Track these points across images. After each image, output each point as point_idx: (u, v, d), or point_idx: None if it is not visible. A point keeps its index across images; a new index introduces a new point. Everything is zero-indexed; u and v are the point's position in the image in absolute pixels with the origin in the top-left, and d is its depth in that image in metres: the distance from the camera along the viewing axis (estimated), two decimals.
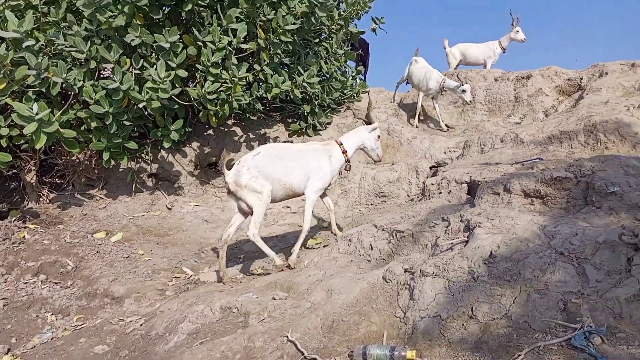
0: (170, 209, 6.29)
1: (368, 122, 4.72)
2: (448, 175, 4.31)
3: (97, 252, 5.21)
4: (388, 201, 6.04)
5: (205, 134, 7.14)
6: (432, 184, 4.42)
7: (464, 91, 7.11)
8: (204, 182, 6.78)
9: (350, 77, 8.06)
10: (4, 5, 4.90)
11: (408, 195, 5.97)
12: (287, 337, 2.90)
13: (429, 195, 4.40)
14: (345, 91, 7.88)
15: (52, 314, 4.31)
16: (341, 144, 4.54)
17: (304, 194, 4.38)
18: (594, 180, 3.08)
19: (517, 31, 8.36)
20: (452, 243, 3.24)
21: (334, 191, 6.42)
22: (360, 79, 9.02)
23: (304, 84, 6.07)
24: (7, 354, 3.79)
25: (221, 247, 4.38)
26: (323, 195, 4.71)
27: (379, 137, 4.67)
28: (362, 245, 3.91)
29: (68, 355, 3.57)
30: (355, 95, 8.17)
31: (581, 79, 6.71)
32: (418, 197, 5.67)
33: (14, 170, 6.04)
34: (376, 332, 2.84)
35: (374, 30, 8.23)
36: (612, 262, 2.46)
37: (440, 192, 4.25)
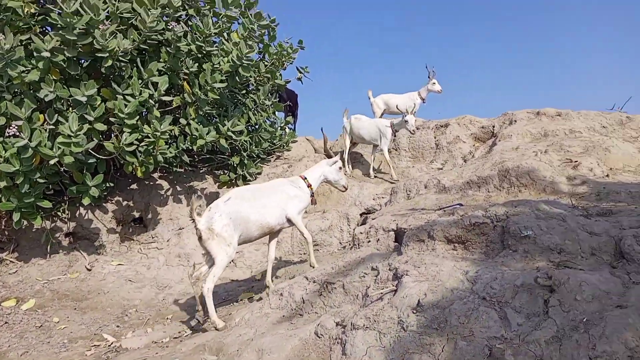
0: (89, 270, 5.88)
1: (328, 155, 4.90)
2: (376, 223, 4.39)
3: (6, 322, 4.73)
4: (321, 249, 6.03)
5: (128, 188, 6.86)
6: (361, 233, 4.47)
7: (406, 121, 7.54)
8: (127, 239, 6.44)
9: (279, 128, 8.16)
10: None
11: (340, 243, 6.00)
12: None
13: (358, 244, 4.44)
14: (274, 141, 7.94)
15: None
16: (305, 178, 4.76)
17: (279, 229, 4.61)
18: (509, 224, 3.25)
19: (434, 83, 8.97)
20: (381, 293, 3.25)
21: (265, 240, 6.32)
22: (290, 129, 9.15)
23: (229, 133, 6.05)
24: None
25: (196, 291, 4.23)
26: (272, 238, 4.79)
27: (340, 168, 4.91)
28: (294, 299, 3.83)
29: None
30: (284, 145, 8.25)
31: (493, 126, 7.23)
32: (350, 244, 5.71)
33: None
34: None
35: (299, 79, 8.46)
36: (531, 305, 2.57)
37: (369, 241, 4.30)
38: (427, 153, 7.39)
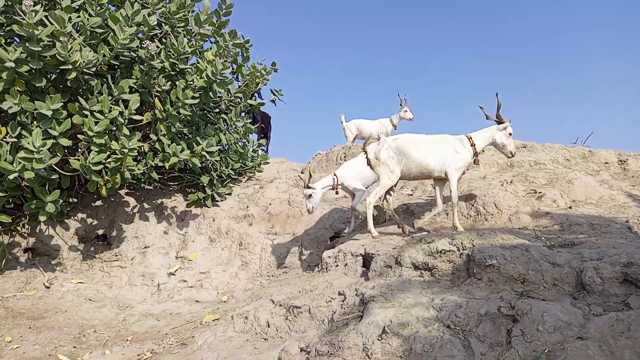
0: (48, 288, 5.64)
1: (499, 121, 4.91)
2: (344, 247, 4.39)
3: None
4: (289, 272, 5.97)
5: (93, 204, 6.67)
6: (329, 257, 4.45)
7: (405, 111, 9.05)
8: (89, 256, 6.23)
9: (251, 149, 8.13)
10: None
11: (309, 266, 5.95)
12: None
13: (326, 268, 4.42)
14: (246, 162, 7.90)
15: None
16: (470, 137, 4.88)
17: (438, 176, 4.75)
18: (474, 253, 3.30)
19: (405, 111, 9.21)
20: (347, 319, 3.23)
21: (233, 263, 6.23)
22: (263, 151, 9.14)
23: (203, 153, 5.99)
24: None
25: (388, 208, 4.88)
26: (439, 186, 5.01)
27: (510, 134, 4.96)
28: (259, 322, 3.77)
29: None
30: (256, 166, 8.22)
31: None
32: (318, 268, 5.68)
33: None
34: None
35: (273, 101, 8.49)
36: (494, 334, 2.59)
37: (337, 265, 4.29)
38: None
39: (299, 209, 6.95)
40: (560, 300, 2.79)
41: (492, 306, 2.73)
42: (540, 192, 5.27)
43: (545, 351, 2.34)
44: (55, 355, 4.45)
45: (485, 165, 6.51)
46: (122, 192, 6.82)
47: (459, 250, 3.45)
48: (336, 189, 5.68)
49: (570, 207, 5.11)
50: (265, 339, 3.61)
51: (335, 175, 5.74)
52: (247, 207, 7.04)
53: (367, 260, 4.07)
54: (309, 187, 5.51)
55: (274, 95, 8.40)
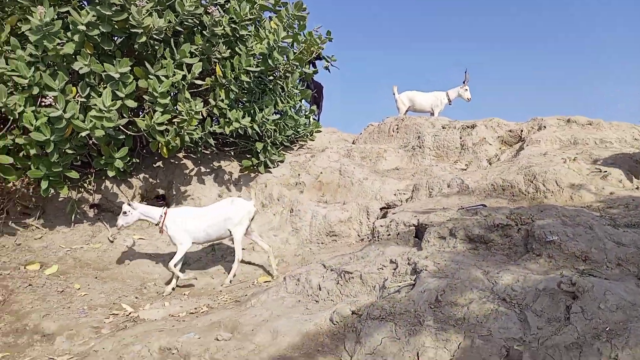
0: (112, 242, 6.00)
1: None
2: (397, 217, 4.39)
3: (29, 285, 4.87)
4: (339, 240, 6.05)
5: (154, 165, 6.96)
6: (382, 226, 4.48)
7: (466, 90, 8.93)
8: None
9: (304, 116, 8.17)
10: None
11: (359, 235, 6.01)
12: None
13: (378, 237, 4.45)
14: (299, 130, 7.96)
15: None
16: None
17: None
18: (534, 228, 3.23)
19: (466, 90, 8.95)
20: (399, 286, 3.27)
21: (284, 228, 6.37)
22: (314, 119, 9.16)
23: (263, 120, 6.10)
24: None
25: None
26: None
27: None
28: (311, 285, 3.87)
29: None
30: (308, 134, 8.27)
31: (521, 130, 7.13)
32: (368, 237, 5.72)
33: None
34: None
35: (326, 68, 8.45)
36: (552, 310, 2.55)
37: (389, 234, 4.31)
38: (451, 153, 7.34)
39: (350, 179, 6.98)
40: (624, 280, 2.70)
41: (551, 282, 2.68)
42: (606, 171, 5.04)
43: (606, 329, 2.29)
44: (119, 304, 4.77)
45: (547, 141, 6.27)
46: (181, 155, 7.07)
47: (517, 225, 3.38)
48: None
49: (637, 188, 4.86)
50: (316, 301, 3.71)
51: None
52: (299, 174, 7.14)
53: (419, 230, 4.07)
54: (129, 205, 5.19)
55: (327, 61, 8.35)
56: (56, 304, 4.66)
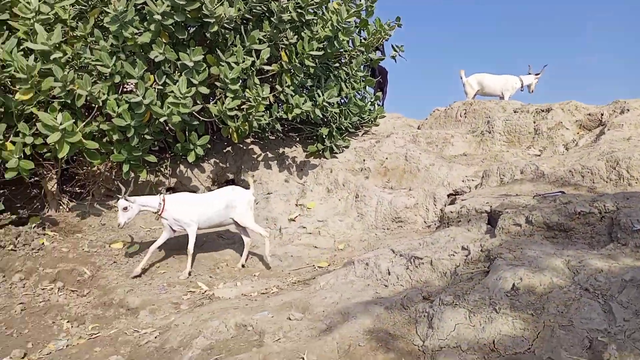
0: None
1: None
2: (468, 204, 4.31)
3: (114, 262, 5.25)
4: (404, 226, 6.02)
5: (224, 150, 7.22)
6: (452, 212, 4.40)
7: (537, 81, 8.85)
8: None
9: (369, 102, 8.13)
10: (34, 19, 5.05)
11: (425, 222, 5.95)
12: (302, 359, 2.88)
13: (447, 223, 4.39)
14: (363, 115, 7.94)
15: (67, 322, 4.32)
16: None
17: None
18: (619, 216, 3.06)
19: (537, 81, 8.75)
20: (472, 273, 3.22)
21: (349, 214, 6.42)
22: (379, 105, 9.10)
23: (324, 104, 6.14)
24: (23, 358, 3.80)
25: None
26: None
27: None
28: (379, 269, 3.90)
29: None
30: (373, 120, 8.22)
31: (602, 114, 6.71)
32: (435, 224, 5.65)
33: (35, 178, 6.13)
34: (394, 359, 2.81)
35: (393, 57, 8.33)
36: None
37: (460, 221, 4.23)
38: (523, 138, 7.04)
39: (416, 165, 6.89)
40: None
41: (639, 273, 2.54)
42: None
43: None
44: (195, 282, 5.04)
45: (630, 125, 5.86)
46: (249, 140, 7.27)
47: (600, 213, 3.22)
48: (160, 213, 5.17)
49: None
50: (385, 285, 3.74)
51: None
52: (364, 160, 7.14)
53: (492, 217, 3.97)
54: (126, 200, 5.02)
55: (395, 50, 8.23)
56: (139, 281, 4.99)
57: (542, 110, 7.09)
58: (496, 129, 7.27)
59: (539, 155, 6.41)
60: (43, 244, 5.34)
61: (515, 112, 7.46)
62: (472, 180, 6.13)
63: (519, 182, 5.01)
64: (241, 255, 5.52)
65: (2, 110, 5.18)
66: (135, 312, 4.42)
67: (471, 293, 2.93)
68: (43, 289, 4.78)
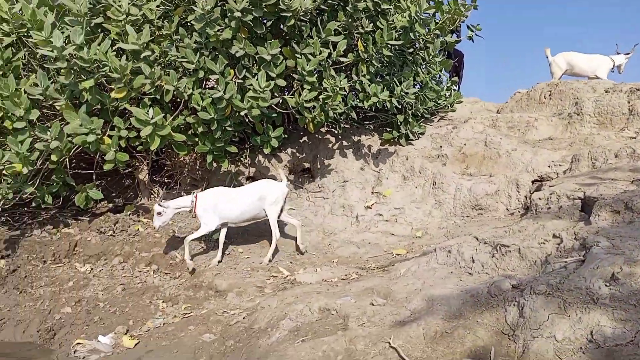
0: None
1: None
2: (558, 190, 4.10)
3: (202, 247, 5.56)
4: (485, 214, 5.84)
5: (299, 140, 7.36)
6: (540, 199, 4.21)
7: (627, 61, 8.39)
8: (297, 187, 6.99)
9: (445, 87, 7.92)
10: (125, 20, 5.40)
11: (507, 209, 5.73)
12: (389, 343, 2.92)
13: (535, 210, 4.20)
14: (439, 101, 7.74)
15: (163, 301, 4.67)
16: None
17: None
18: None
19: (627, 61, 8.15)
20: (566, 262, 3.08)
21: (426, 201, 6.33)
22: (454, 89, 8.84)
23: (402, 94, 6.08)
24: (126, 334, 4.16)
25: None
26: None
27: None
28: (463, 257, 3.83)
29: (179, 341, 3.84)
30: (449, 105, 8.00)
31: None
32: (519, 211, 5.44)
33: (129, 169, 6.61)
34: (483, 348, 2.77)
35: (470, 38, 8.03)
36: None
37: (549, 207, 4.04)
38: (616, 120, 6.54)
39: (497, 150, 6.63)
40: None
41: None
42: None
43: None
44: (276, 267, 5.22)
45: None
46: (324, 129, 7.35)
47: None
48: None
49: None
50: (470, 273, 3.66)
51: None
52: (441, 147, 6.98)
53: (586, 204, 3.75)
54: (160, 205, 5.14)
55: (471, 31, 7.93)
56: (225, 265, 5.26)
57: (638, 89, 6.55)
58: (585, 111, 6.81)
59: (635, 138, 5.94)
60: (138, 230, 5.77)
61: (606, 92, 6.95)
62: (560, 165, 5.81)
63: (613, 167, 4.68)
64: (301, 242, 5.59)
65: (99, 107, 5.61)
66: (223, 294, 4.67)
67: (566, 282, 2.81)
68: (140, 271, 5.18)
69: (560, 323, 2.60)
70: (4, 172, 5.01)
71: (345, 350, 3.00)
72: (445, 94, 7.92)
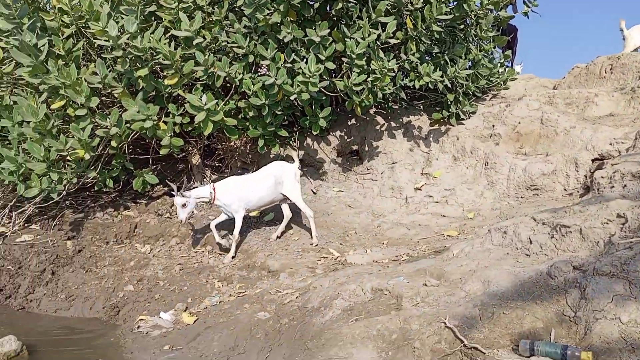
0: (315, 193, 6.60)
1: None
2: (622, 168, 3.89)
3: (254, 229, 5.69)
4: (541, 195, 5.65)
5: (348, 123, 7.33)
6: (602, 177, 4.02)
7: None
8: (346, 169, 6.99)
9: (499, 64, 7.63)
10: (177, 8, 5.51)
11: (565, 189, 5.52)
12: (444, 323, 2.90)
13: (597, 189, 4.02)
14: (491, 78, 7.48)
15: (218, 281, 4.83)
16: None
17: None
18: None
19: None
20: (631, 242, 2.94)
21: (478, 182, 6.18)
22: (508, 66, 8.51)
23: (455, 74, 5.92)
24: (185, 311, 4.35)
25: None
26: None
27: None
28: (520, 238, 3.72)
29: (235, 318, 3.98)
30: (502, 82, 7.72)
31: None
32: (578, 191, 5.22)
33: (183, 154, 6.82)
34: (542, 329, 2.71)
35: (525, 14, 7.67)
36: None
37: (613, 187, 3.85)
38: None
39: (553, 128, 6.36)
40: None
41: None
42: None
43: None
44: (326, 249, 5.28)
45: None
46: (372, 111, 7.28)
47: None
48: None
49: None
50: (527, 255, 3.57)
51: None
52: (493, 126, 6.77)
53: None
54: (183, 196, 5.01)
55: (527, 6, 7.57)
56: (276, 246, 5.37)
57: None
58: None
59: None
60: (193, 212, 5.96)
61: None
62: (622, 143, 5.50)
63: None
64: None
65: (154, 94, 5.80)
66: (276, 275, 4.77)
67: (631, 263, 2.69)
68: (196, 251, 5.37)
69: (626, 305, 2.50)
70: (68, 157, 5.29)
71: (400, 329, 3.01)
72: (498, 71, 7.65)
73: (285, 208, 5.62)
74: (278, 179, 5.35)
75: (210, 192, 5.18)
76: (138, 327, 4.27)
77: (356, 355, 2.88)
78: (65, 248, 5.48)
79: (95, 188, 6.11)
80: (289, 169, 5.49)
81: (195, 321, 4.17)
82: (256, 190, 5.27)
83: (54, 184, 5.26)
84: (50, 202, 5.81)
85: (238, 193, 5.23)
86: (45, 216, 6.04)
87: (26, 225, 5.87)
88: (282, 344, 3.57)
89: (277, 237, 5.54)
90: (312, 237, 5.37)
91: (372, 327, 3.08)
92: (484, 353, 2.57)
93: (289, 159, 5.99)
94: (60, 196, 5.53)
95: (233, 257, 5.23)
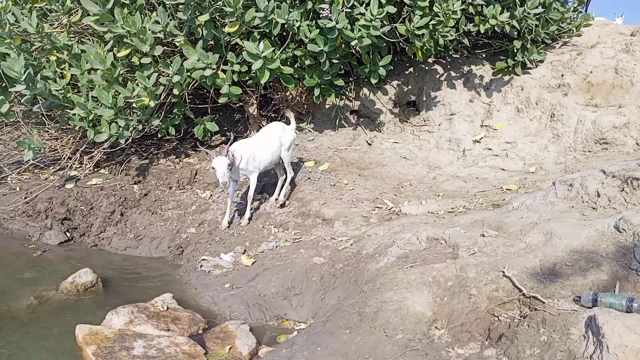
0: (370, 145, 6.56)
1: None
2: None
3: (309, 178, 5.76)
4: (610, 149, 5.34)
5: (405, 72, 7.13)
6: None
7: None
8: (402, 121, 6.86)
9: (572, 8, 7.07)
10: None
11: (637, 144, 5.19)
12: (502, 272, 2.87)
13: None
14: (562, 24, 6.97)
15: (274, 227, 4.98)
16: None
17: None
18: None
19: None
20: None
21: (542, 135, 5.91)
22: (581, 11, 7.89)
23: (524, 15, 5.54)
24: (244, 253, 4.54)
25: None
26: None
27: None
28: (587, 191, 3.57)
29: (292, 262, 4.12)
30: (574, 29, 7.18)
31: None
32: None
33: (239, 104, 6.91)
34: (607, 282, 2.63)
35: None
36: None
37: None
38: None
39: (629, 78, 5.93)
40: None
41: None
42: None
43: None
44: (381, 199, 5.28)
45: None
46: (431, 60, 7.03)
47: None
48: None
49: None
50: (594, 208, 3.42)
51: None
52: (562, 75, 6.38)
53: None
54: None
55: None
56: (330, 195, 5.43)
57: None
58: None
59: None
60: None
61: None
62: None
63: None
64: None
65: (212, 43, 5.85)
66: (330, 223, 4.86)
67: None
68: (253, 199, 5.52)
69: None
70: (134, 105, 5.51)
71: (456, 277, 3.02)
72: (571, 16, 7.10)
73: (280, 171, 5.54)
74: (282, 140, 5.28)
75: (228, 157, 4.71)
76: (201, 266, 4.51)
77: (411, 299, 2.92)
78: (132, 191, 5.80)
79: (159, 135, 6.34)
80: (289, 131, 5.47)
81: (253, 263, 4.35)
82: (267, 152, 5.12)
83: (121, 130, 5.51)
84: (117, 148, 6.12)
85: (255, 155, 5.05)
86: (112, 162, 6.38)
87: (95, 170, 6.23)
88: (337, 287, 3.68)
89: (275, 200, 5.41)
90: (278, 196, 5.39)
91: (428, 274, 3.10)
92: (544, 302, 2.54)
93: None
94: (127, 142, 5.80)
95: (249, 219, 5.15)
